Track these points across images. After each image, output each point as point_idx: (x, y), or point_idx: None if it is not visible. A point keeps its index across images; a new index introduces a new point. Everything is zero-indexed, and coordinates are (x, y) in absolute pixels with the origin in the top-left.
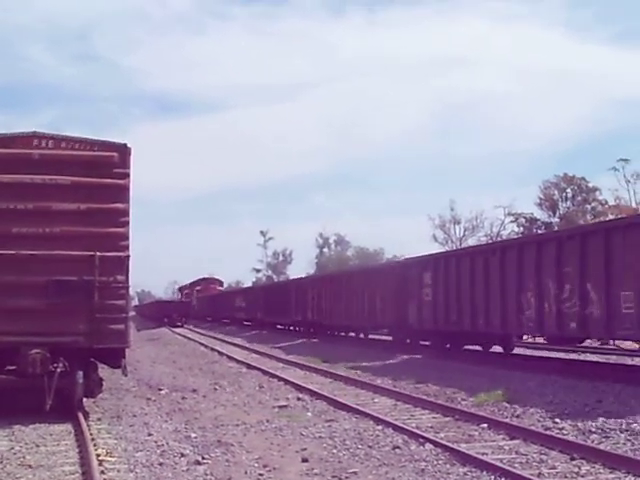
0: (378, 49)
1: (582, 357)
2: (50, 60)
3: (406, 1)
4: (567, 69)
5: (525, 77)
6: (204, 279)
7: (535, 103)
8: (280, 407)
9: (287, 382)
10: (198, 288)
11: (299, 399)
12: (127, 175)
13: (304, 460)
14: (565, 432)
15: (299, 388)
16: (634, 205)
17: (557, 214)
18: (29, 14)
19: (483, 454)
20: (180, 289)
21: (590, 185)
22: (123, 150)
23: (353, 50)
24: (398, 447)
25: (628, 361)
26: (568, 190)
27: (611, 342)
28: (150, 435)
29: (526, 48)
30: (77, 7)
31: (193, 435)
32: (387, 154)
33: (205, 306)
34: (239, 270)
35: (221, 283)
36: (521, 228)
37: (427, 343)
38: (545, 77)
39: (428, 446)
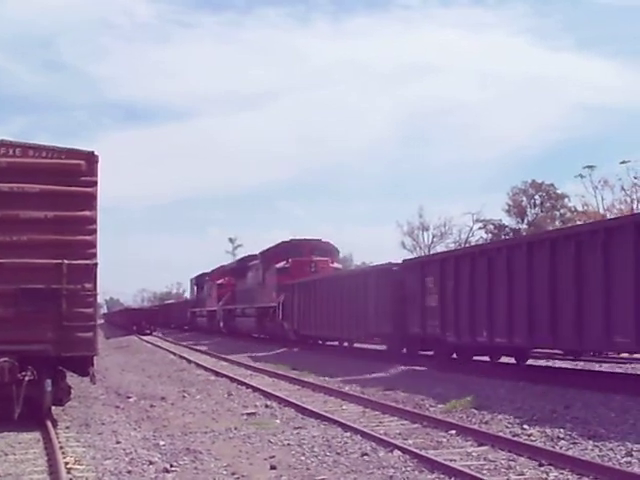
0: (345, 57)
1: (551, 363)
2: (17, 69)
3: (371, 10)
4: (535, 76)
5: (493, 84)
6: (296, 245)
7: (503, 110)
8: (248, 414)
9: (256, 389)
10: (283, 265)
11: (267, 406)
12: (95, 183)
13: (272, 467)
14: (533, 438)
15: (268, 395)
16: (602, 211)
17: (525, 220)
18: None
19: (451, 460)
20: (202, 278)
21: (559, 192)
22: (90, 158)
23: (320, 58)
24: (366, 454)
25: (596, 367)
26: (536, 196)
27: None
28: (118, 443)
29: (494, 56)
30: (42, 16)
31: (162, 443)
32: (356, 162)
33: (317, 310)
34: None
35: (335, 252)
36: (489, 235)
37: None
38: (513, 84)
39: (396, 453)
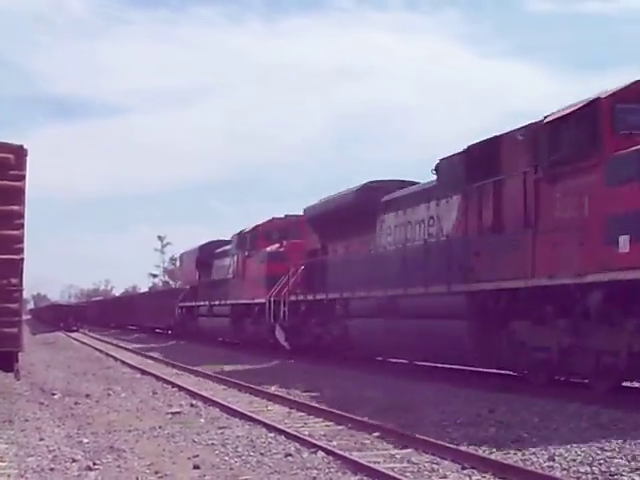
0: (280, 57)
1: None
2: None
3: (305, 11)
4: (467, 81)
5: (427, 88)
6: None
7: (436, 114)
8: (173, 413)
9: (181, 388)
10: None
11: (192, 405)
12: (23, 177)
13: (196, 467)
14: (457, 442)
15: (193, 394)
16: None
17: None
18: None
19: (375, 462)
20: (214, 248)
21: None
22: (19, 152)
23: (255, 57)
24: (290, 455)
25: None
26: None
27: None
28: (42, 440)
29: (428, 60)
30: None
31: (85, 440)
32: (289, 161)
33: None
34: (135, 275)
35: None
36: None
37: None
38: (446, 89)
39: (320, 454)
